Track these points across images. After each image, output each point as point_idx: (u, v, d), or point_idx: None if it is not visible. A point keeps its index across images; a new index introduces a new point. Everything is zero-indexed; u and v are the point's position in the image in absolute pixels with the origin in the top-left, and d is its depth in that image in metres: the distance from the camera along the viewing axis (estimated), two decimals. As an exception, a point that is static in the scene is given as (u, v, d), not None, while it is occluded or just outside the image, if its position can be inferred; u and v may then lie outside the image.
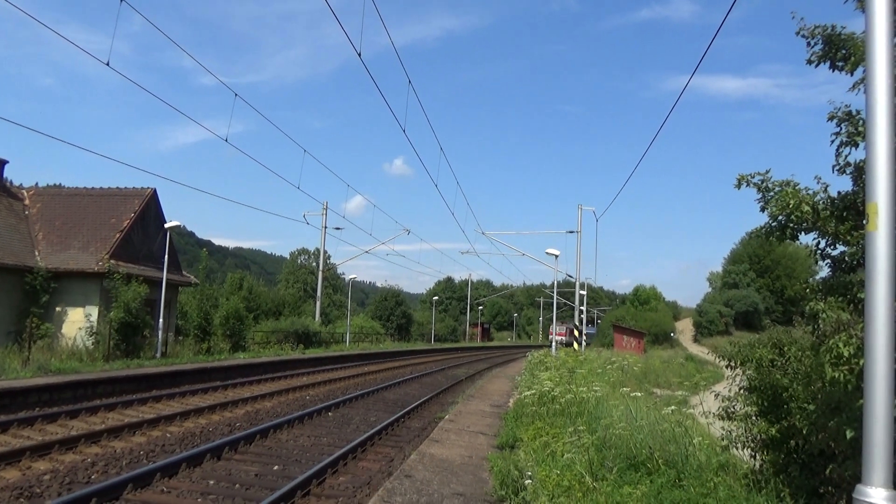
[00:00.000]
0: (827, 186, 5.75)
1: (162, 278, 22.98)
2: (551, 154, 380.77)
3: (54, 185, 35.79)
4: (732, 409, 6.60)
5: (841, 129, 5.50)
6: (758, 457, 6.18)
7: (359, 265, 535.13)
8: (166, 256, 23.17)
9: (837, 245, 5.74)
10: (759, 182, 5.89)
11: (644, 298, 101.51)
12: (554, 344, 32.77)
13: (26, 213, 25.82)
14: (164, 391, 16.18)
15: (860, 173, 5.41)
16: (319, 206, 53.28)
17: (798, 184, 5.72)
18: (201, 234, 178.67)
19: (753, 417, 6.23)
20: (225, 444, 9.75)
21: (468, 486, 7.08)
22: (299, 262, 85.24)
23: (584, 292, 35.73)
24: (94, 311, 23.11)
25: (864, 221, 3.41)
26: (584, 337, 34.43)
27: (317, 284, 47.78)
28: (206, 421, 12.69)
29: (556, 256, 31.32)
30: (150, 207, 27.01)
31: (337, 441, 11.23)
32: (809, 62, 5.93)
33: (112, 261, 23.23)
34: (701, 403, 7.56)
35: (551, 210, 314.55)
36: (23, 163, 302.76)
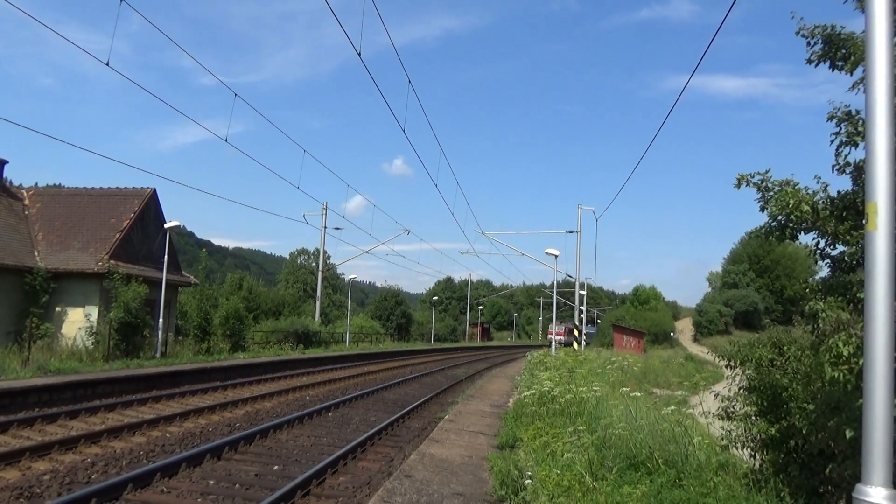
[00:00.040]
0: (826, 186, 5.76)
1: (162, 278, 22.97)
2: (551, 154, 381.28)
3: (54, 185, 35.81)
4: (732, 409, 6.60)
5: (840, 128, 5.51)
6: (757, 456, 6.19)
7: (358, 265, 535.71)
8: (166, 256, 23.16)
9: (837, 245, 5.75)
10: (759, 182, 5.90)
11: (644, 298, 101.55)
12: (553, 344, 32.76)
13: (26, 213, 25.81)
14: (163, 391, 16.18)
15: (860, 173, 5.42)
16: (319, 206, 53.32)
17: (798, 183, 5.73)
18: (201, 235, 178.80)
19: (753, 417, 6.23)
20: (225, 444, 9.75)
21: (468, 485, 7.08)
22: (299, 262, 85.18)
23: (583, 292, 35.72)
24: (93, 312, 23.10)
25: (864, 221, 3.42)
26: (584, 337, 34.43)
27: (316, 284, 47.78)
28: (206, 421, 12.68)
29: (556, 256, 31.33)
30: (150, 207, 27.01)
31: (337, 441, 11.23)
32: (809, 62, 5.94)
33: (112, 261, 23.23)
34: (700, 403, 7.56)
35: (551, 210, 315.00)
36: (22, 163, 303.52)
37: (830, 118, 5.58)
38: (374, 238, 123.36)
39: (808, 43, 5.88)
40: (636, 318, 77.07)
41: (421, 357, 43.43)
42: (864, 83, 4.37)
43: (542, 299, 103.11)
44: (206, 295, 27.32)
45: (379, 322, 61.55)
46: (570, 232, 33.92)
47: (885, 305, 3.26)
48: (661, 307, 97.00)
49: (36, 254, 23.91)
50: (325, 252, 47.82)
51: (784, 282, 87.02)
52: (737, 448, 6.32)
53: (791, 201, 5.51)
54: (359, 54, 12.60)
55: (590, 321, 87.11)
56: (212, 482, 8.06)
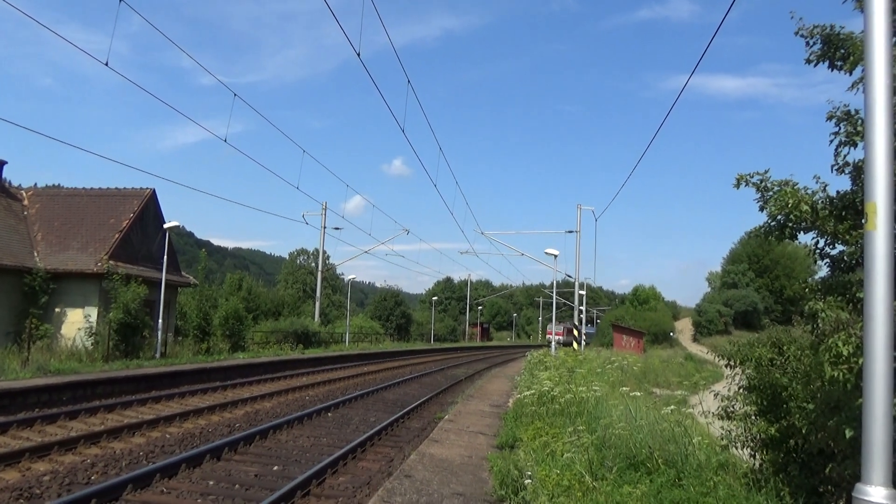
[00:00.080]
0: (826, 186, 5.76)
1: (161, 279, 22.97)
2: (551, 154, 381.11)
3: (53, 185, 35.76)
4: (732, 409, 6.61)
5: (840, 128, 5.51)
6: (757, 456, 6.19)
7: (358, 265, 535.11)
8: (165, 257, 23.16)
9: (836, 244, 5.76)
10: (758, 182, 5.90)
11: (643, 298, 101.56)
12: (553, 344, 32.77)
13: (25, 213, 25.80)
14: (163, 392, 16.17)
15: (859, 173, 5.42)
16: (318, 206, 53.26)
17: (797, 183, 5.74)
18: (200, 235, 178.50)
19: (753, 417, 6.24)
20: (224, 444, 9.75)
21: (468, 485, 7.08)
22: (298, 262, 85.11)
23: (583, 292, 35.70)
24: (93, 312, 23.09)
25: (863, 221, 3.42)
26: (584, 337, 34.43)
27: (316, 285, 47.78)
28: (206, 421, 12.68)
29: (556, 256, 31.34)
30: (149, 208, 27.00)
31: (336, 441, 11.23)
32: (808, 62, 5.94)
33: (111, 261, 23.22)
34: (700, 403, 7.57)
35: (550, 210, 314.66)
36: (22, 163, 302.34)
37: (830, 118, 5.59)
38: (373, 238, 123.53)
39: (808, 43, 5.89)
40: (636, 317, 77.08)
41: (420, 357, 43.42)
42: (862, 83, 4.37)
43: (541, 299, 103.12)
44: (205, 295, 27.31)
45: (378, 322, 61.53)
46: (570, 232, 33.94)
47: (885, 305, 3.27)
48: (661, 307, 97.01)
49: (35, 254, 23.89)
50: (324, 252, 47.84)
51: (783, 281, 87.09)
52: (736, 448, 6.33)
53: (790, 201, 5.52)
54: (358, 54, 12.60)
55: (589, 321, 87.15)
56: (211, 483, 8.06)
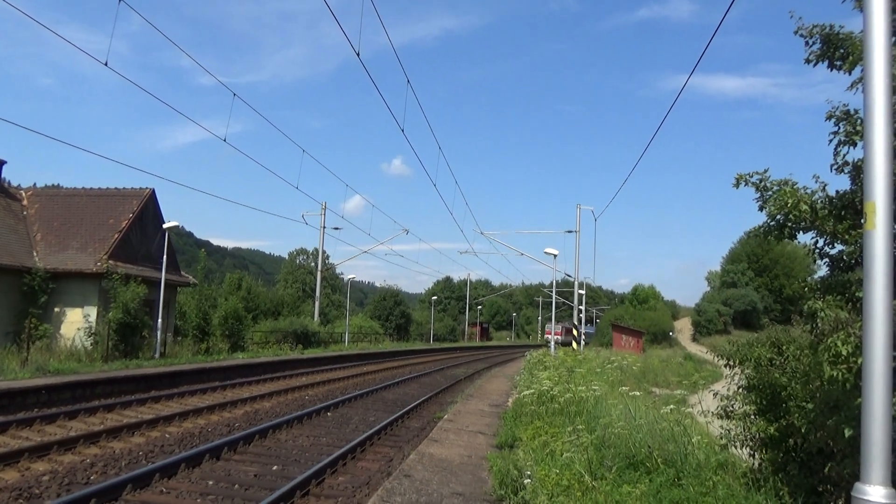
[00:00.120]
0: (825, 185, 5.77)
1: (160, 279, 22.96)
2: (551, 154, 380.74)
3: (52, 185, 35.75)
4: (731, 408, 6.62)
5: (839, 128, 5.52)
6: (756, 455, 6.20)
7: (357, 265, 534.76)
8: (165, 257, 23.15)
9: (836, 244, 5.76)
10: (758, 181, 5.91)
11: (643, 298, 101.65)
12: (552, 343, 32.77)
13: (24, 213, 25.78)
14: (162, 392, 16.17)
15: (858, 172, 5.43)
16: (318, 205, 53.24)
17: (796, 183, 5.74)
18: (200, 235, 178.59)
19: (752, 416, 6.25)
20: (224, 444, 9.75)
21: (467, 485, 7.08)
22: (298, 262, 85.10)
23: (582, 292, 35.72)
24: (92, 312, 23.08)
25: (862, 220, 3.42)
26: (583, 336, 34.43)
27: (315, 284, 47.77)
28: (205, 421, 12.68)
29: (555, 256, 31.35)
30: (149, 208, 26.99)
31: (336, 441, 11.23)
32: (808, 61, 5.95)
33: (110, 261, 23.20)
34: (700, 402, 7.57)
35: (550, 210, 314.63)
36: (21, 163, 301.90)
37: (829, 117, 5.59)
38: (373, 238, 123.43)
39: (807, 42, 5.89)
40: (635, 317, 77.12)
41: (420, 357, 43.43)
42: (862, 82, 4.36)
43: (541, 299, 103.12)
44: (204, 295, 27.34)
45: (378, 322, 61.54)
46: (569, 231, 33.94)
47: (884, 304, 3.27)
48: (660, 307, 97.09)
49: (34, 254, 23.88)
50: (324, 252, 47.84)
51: (783, 281, 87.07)
52: (736, 447, 6.33)
53: (790, 200, 5.52)
54: (358, 54, 12.60)
55: (589, 321, 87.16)
56: (211, 482, 8.06)
